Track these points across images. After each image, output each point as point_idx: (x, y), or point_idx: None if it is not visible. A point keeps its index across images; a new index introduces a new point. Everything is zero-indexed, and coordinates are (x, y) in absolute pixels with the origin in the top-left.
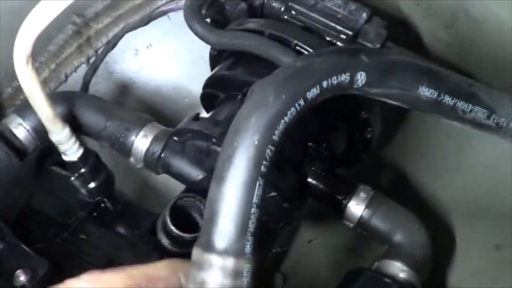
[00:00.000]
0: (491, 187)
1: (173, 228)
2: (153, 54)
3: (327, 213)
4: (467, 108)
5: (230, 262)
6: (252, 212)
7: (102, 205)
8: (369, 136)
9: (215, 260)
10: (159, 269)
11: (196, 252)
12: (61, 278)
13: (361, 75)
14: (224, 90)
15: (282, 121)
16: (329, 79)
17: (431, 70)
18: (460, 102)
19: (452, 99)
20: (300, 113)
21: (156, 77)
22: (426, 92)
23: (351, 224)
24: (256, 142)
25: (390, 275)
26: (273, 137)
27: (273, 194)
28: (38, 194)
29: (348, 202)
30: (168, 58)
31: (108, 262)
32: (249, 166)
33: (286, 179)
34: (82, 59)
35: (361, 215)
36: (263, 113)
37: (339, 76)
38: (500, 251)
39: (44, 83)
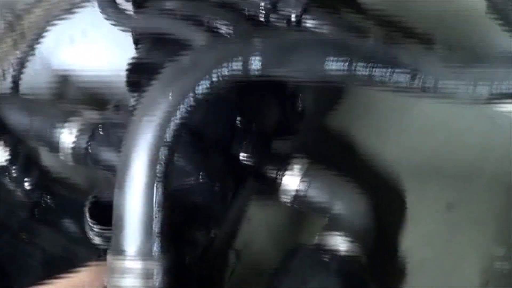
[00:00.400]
0: (439, 146)
1: (92, 225)
2: (89, 40)
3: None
4: (386, 73)
5: (139, 264)
6: (154, 214)
7: (43, 203)
8: (300, 107)
9: (126, 264)
10: (83, 276)
11: (108, 258)
12: (7, 283)
13: (255, 59)
14: (145, 75)
15: (173, 121)
16: (219, 69)
17: (339, 41)
18: (377, 69)
19: (366, 67)
20: (193, 109)
21: (95, 63)
22: (334, 64)
23: (288, 200)
24: (148, 145)
25: (330, 249)
26: (165, 138)
27: (202, 179)
28: None
29: (282, 176)
30: (105, 42)
31: (49, 263)
32: (144, 171)
33: (213, 162)
34: (18, 53)
35: (296, 189)
36: (152, 115)
37: (229, 64)
38: (452, 211)
39: None
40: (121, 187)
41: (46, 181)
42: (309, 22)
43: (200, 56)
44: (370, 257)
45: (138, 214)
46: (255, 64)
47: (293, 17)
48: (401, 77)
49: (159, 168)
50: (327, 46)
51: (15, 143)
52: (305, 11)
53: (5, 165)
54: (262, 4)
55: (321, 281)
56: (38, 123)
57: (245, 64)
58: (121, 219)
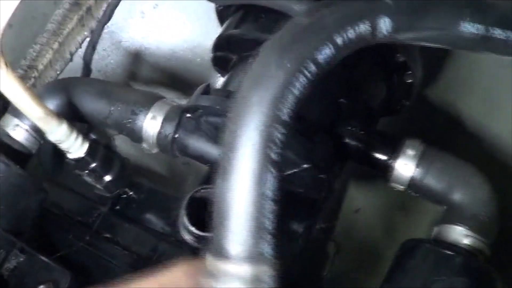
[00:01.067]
0: None
1: (191, 227)
2: (161, 14)
3: (372, 176)
4: None
5: (247, 269)
6: (265, 207)
7: (124, 196)
8: (409, 80)
9: (230, 269)
10: (175, 276)
11: (208, 260)
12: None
13: (384, 21)
14: (235, 51)
15: (290, 94)
16: (344, 33)
17: (476, 1)
18: None
19: (503, 32)
20: (313, 80)
21: (168, 38)
22: (470, 28)
23: (401, 187)
24: (260, 123)
25: (451, 243)
26: (281, 115)
27: (305, 165)
28: (55, 193)
29: (395, 162)
30: (178, 16)
31: (135, 263)
32: (254, 155)
33: (318, 147)
34: (86, 33)
35: (412, 176)
36: (265, 88)
37: (355, 27)
38: None
39: (49, 65)
40: (226, 175)
41: (126, 173)
42: None
43: (322, 16)
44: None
45: (246, 207)
46: (385, 25)
47: None
48: None
49: (273, 150)
50: (461, 5)
51: (91, 132)
52: None
53: (84, 158)
54: None
55: (447, 280)
56: (118, 111)
57: (373, 26)
58: (224, 214)
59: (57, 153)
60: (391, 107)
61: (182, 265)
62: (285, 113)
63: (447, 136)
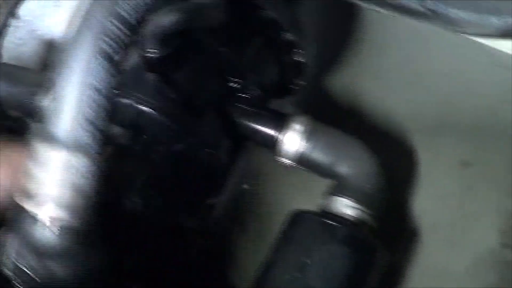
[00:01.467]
0: (452, 98)
1: None
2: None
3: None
4: None
5: (63, 154)
6: (92, 98)
7: None
8: (299, 59)
9: (48, 152)
10: None
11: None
12: None
13: None
14: None
15: None
16: None
17: None
18: None
19: None
20: None
21: None
22: None
23: (289, 162)
24: (99, 17)
25: (336, 214)
26: (120, 12)
27: (193, 141)
28: None
29: (283, 137)
30: None
31: None
32: (86, 45)
33: (205, 123)
34: None
35: (298, 150)
36: None
37: None
38: (468, 168)
39: None
40: (61, 59)
41: None
42: None
43: None
44: (381, 220)
45: (71, 93)
46: None
47: None
48: None
49: (107, 43)
50: None
51: None
52: None
53: None
54: None
55: (329, 249)
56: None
57: None
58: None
59: None
60: (284, 87)
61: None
62: (126, 11)
63: (343, 116)
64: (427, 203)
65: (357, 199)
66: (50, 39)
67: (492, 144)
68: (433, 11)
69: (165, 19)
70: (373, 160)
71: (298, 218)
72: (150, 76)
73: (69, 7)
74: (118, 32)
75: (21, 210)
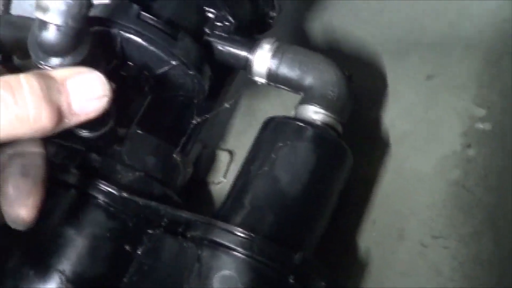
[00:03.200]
0: (415, 19)
1: None
2: None
3: None
4: None
5: None
6: None
7: None
8: None
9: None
10: None
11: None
12: None
13: None
14: None
15: None
16: None
17: None
18: None
19: None
20: None
21: None
22: None
23: (263, 80)
24: None
25: (304, 119)
26: None
27: (174, 62)
28: None
29: (254, 56)
30: None
31: None
32: None
33: (181, 44)
34: None
35: (268, 66)
36: None
37: None
38: (432, 80)
39: None
40: None
41: None
42: None
43: None
44: (350, 131)
45: None
46: None
47: None
48: None
49: None
50: None
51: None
52: None
53: None
54: None
55: (295, 146)
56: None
57: None
58: None
59: None
60: (261, 21)
61: None
62: None
63: (314, 40)
64: (395, 115)
65: (321, 105)
66: None
67: (454, 57)
68: None
69: None
70: (336, 71)
71: (270, 122)
72: (133, 6)
73: None
74: None
75: None
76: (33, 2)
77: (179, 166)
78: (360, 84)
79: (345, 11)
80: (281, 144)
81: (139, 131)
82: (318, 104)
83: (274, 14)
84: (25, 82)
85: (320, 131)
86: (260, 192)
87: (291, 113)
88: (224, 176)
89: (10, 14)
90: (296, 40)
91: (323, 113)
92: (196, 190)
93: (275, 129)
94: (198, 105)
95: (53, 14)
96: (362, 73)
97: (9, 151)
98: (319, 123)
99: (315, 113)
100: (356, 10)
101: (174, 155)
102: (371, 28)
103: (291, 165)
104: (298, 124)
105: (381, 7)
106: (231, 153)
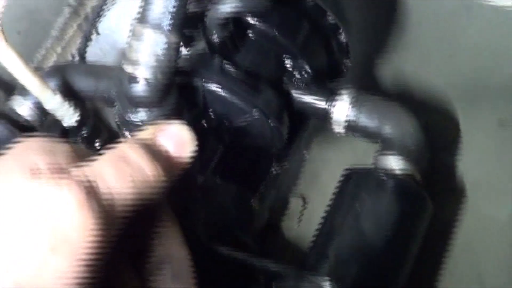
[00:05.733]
0: (486, 63)
1: None
2: None
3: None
4: None
5: (151, 33)
6: None
7: None
8: (344, 40)
9: (143, 31)
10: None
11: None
12: None
13: None
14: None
15: None
16: None
17: None
18: None
19: None
20: None
21: None
22: None
23: (341, 130)
24: None
25: (385, 169)
26: None
27: (255, 112)
28: None
29: (333, 107)
30: None
31: None
32: None
33: (263, 95)
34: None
35: (347, 117)
36: None
37: None
38: (504, 126)
39: None
40: None
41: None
42: None
43: None
44: (426, 179)
45: None
46: None
47: None
48: None
49: None
50: None
51: (83, 105)
52: None
53: (76, 125)
54: None
55: (379, 198)
56: (103, 85)
57: None
58: None
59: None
60: (335, 69)
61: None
62: None
63: (386, 88)
64: (468, 161)
65: (401, 155)
66: None
67: None
68: None
69: (224, 6)
70: (414, 121)
71: (351, 174)
72: (216, 58)
73: None
74: None
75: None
76: (103, 47)
77: (257, 213)
78: (434, 131)
79: (416, 55)
80: (366, 198)
81: (217, 179)
82: (398, 154)
83: (349, 63)
84: (131, 152)
85: (401, 182)
86: (345, 245)
87: (370, 162)
88: (298, 223)
89: (85, 62)
90: (366, 85)
91: (403, 163)
92: (269, 235)
93: (358, 181)
94: (276, 154)
95: (143, 68)
96: (435, 119)
97: (160, 251)
98: (400, 173)
99: (395, 163)
100: (426, 54)
101: (252, 203)
102: (442, 73)
103: (375, 218)
104: (380, 176)
105: (451, 51)
106: (304, 199)
